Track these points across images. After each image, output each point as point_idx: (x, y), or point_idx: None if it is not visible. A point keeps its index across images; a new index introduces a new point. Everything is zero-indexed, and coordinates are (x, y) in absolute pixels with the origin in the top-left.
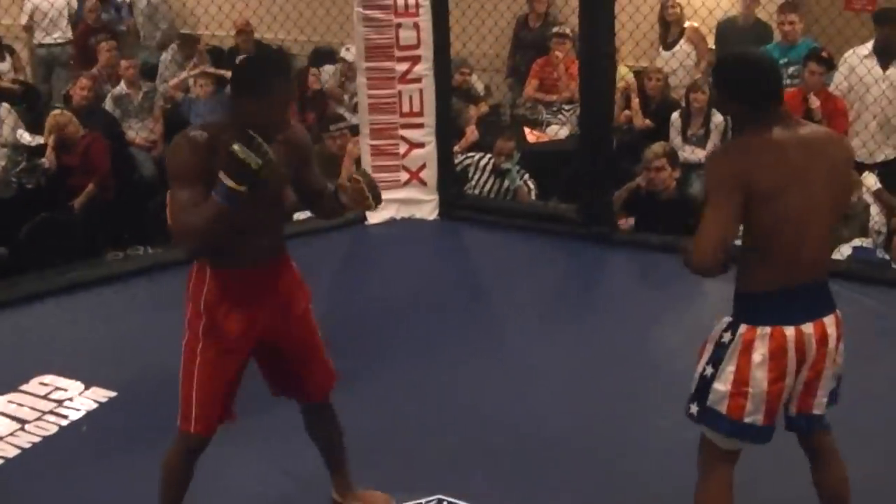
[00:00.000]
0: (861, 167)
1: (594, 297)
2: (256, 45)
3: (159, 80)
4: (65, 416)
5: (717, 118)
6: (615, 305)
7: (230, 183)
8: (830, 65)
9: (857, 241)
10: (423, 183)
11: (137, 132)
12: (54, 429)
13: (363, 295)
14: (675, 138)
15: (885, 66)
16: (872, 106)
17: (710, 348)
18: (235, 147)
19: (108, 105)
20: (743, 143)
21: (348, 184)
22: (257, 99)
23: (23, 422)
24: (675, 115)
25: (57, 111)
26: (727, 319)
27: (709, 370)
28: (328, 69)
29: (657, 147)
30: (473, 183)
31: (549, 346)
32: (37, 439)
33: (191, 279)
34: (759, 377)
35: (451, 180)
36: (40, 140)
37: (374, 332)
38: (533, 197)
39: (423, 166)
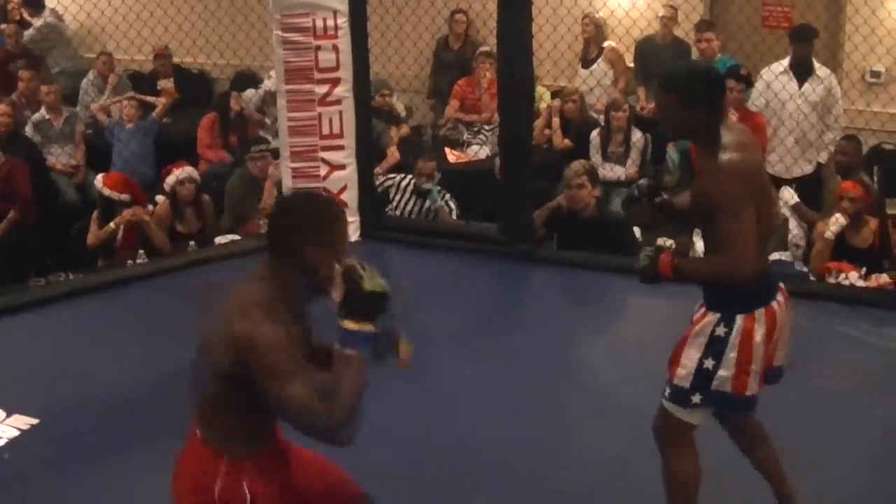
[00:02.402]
0: (779, 182)
1: (518, 316)
2: (175, 69)
3: (80, 105)
4: None
5: (637, 136)
6: (539, 323)
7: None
8: (749, 82)
9: (775, 255)
10: (344, 205)
11: (58, 158)
12: None
13: None
14: (595, 156)
15: (800, 83)
16: (788, 121)
17: (700, 343)
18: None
19: (28, 131)
20: (741, 159)
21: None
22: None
23: None
24: (595, 134)
25: None
26: (713, 317)
27: (709, 363)
28: (249, 93)
29: (577, 165)
30: (395, 204)
31: (475, 365)
32: None
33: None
34: (760, 353)
35: (372, 202)
36: None
37: None
38: (454, 217)
39: (345, 188)
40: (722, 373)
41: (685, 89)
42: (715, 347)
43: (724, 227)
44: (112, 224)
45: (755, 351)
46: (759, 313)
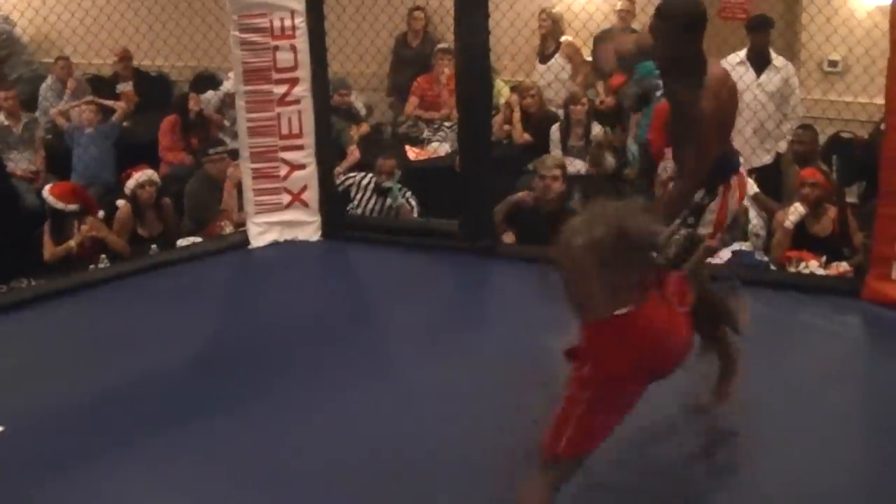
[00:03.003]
0: None
1: (480, 311)
2: (136, 72)
3: (40, 110)
4: None
5: (596, 129)
6: (502, 318)
7: None
8: None
9: (736, 245)
10: (305, 204)
11: (18, 164)
12: None
13: (250, 318)
14: (555, 150)
15: (758, 73)
16: (746, 112)
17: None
18: None
19: None
20: (716, 81)
21: None
22: None
23: None
24: (555, 128)
25: None
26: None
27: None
28: (209, 94)
29: (551, 158)
30: (356, 203)
31: (439, 361)
32: None
33: None
34: (733, 208)
35: (333, 201)
36: None
37: (261, 355)
38: (415, 214)
39: (305, 188)
40: (701, 231)
41: (686, 17)
42: (696, 213)
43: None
44: (71, 242)
45: (729, 208)
46: (733, 179)
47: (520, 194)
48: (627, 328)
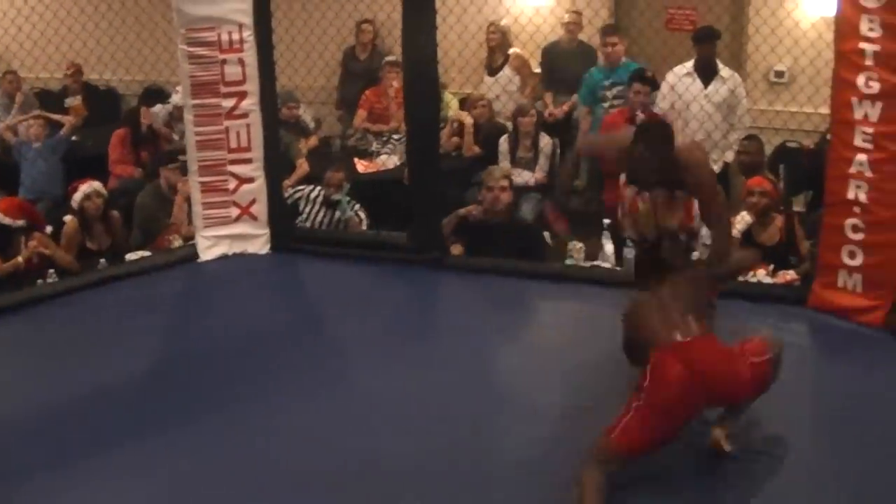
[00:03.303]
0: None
1: (431, 323)
2: (84, 86)
3: None
4: None
5: (545, 140)
6: (452, 329)
7: None
8: (655, 84)
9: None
10: (253, 218)
11: None
12: None
13: (200, 331)
14: (504, 162)
15: (705, 84)
16: (693, 122)
17: None
18: None
19: None
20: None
21: None
22: None
23: None
24: (503, 140)
25: None
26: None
27: None
28: (157, 108)
29: (499, 169)
30: (305, 215)
31: (389, 373)
32: None
33: None
34: None
35: (282, 214)
36: None
37: (213, 369)
38: (364, 226)
39: (254, 201)
40: None
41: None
42: None
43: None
44: (19, 258)
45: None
46: None
47: (468, 208)
48: (686, 351)
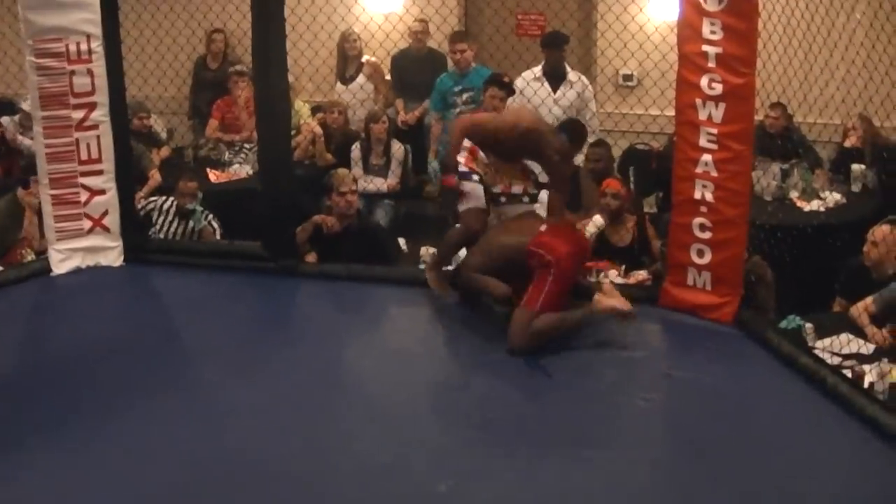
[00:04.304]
0: (536, 185)
1: (287, 330)
2: None
3: None
4: None
5: (396, 146)
6: (307, 336)
7: None
8: (511, 89)
9: None
10: (106, 230)
11: None
12: None
13: (54, 345)
14: (356, 169)
15: (554, 88)
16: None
17: None
18: None
19: None
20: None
21: None
22: None
23: None
24: (355, 147)
25: None
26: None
27: None
28: (5, 120)
29: (343, 172)
30: (158, 226)
31: (244, 381)
32: None
33: None
34: None
35: (134, 225)
36: None
37: (68, 381)
38: (218, 236)
39: (106, 213)
40: None
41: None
42: None
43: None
44: None
45: None
46: None
47: (323, 217)
48: (560, 228)
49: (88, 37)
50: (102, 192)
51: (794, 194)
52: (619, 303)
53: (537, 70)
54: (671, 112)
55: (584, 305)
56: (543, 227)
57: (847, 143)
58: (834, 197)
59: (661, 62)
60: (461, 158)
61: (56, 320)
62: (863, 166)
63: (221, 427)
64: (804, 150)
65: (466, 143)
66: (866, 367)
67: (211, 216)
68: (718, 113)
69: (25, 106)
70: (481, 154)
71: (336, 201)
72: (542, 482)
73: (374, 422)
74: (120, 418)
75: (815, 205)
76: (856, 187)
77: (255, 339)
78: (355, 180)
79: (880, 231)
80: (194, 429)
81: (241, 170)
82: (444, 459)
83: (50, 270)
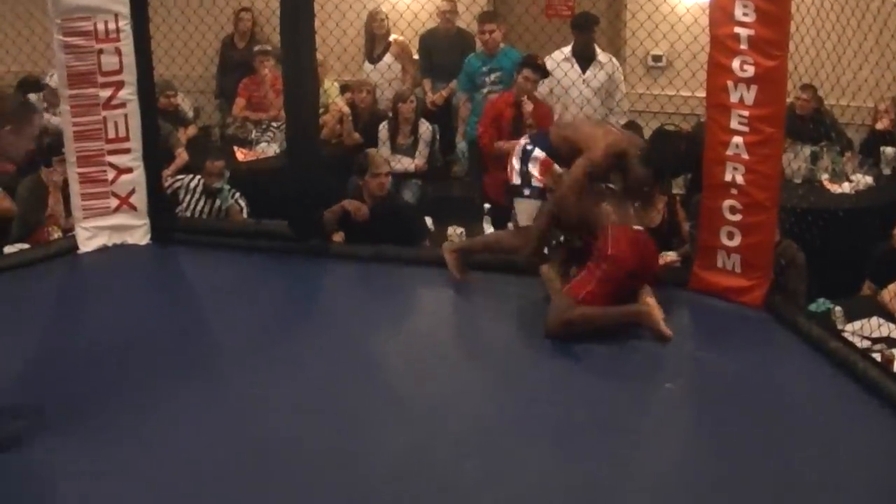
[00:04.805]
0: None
1: (315, 312)
2: None
3: None
4: None
5: (424, 127)
6: (336, 319)
7: None
8: (545, 72)
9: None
10: (133, 208)
11: None
12: None
13: (84, 326)
14: (383, 148)
15: (583, 69)
16: (572, 107)
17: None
18: None
19: None
20: None
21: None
22: None
23: None
24: (383, 126)
25: None
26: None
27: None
28: (33, 97)
29: (380, 155)
30: (185, 205)
31: (275, 365)
32: None
33: None
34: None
35: (161, 204)
36: None
37: (98, 364)
38: (245, 215)
39: (133, 191)
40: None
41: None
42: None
43: None
44: None
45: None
46: None
47: (350, 204)
48: (635, 235)
49: (116, 15)
50: (129, 170)
51: (823, 177)
52: (663, 324)
53: (567, 50)
54: (702, 93)
55: (630, 304)
56: (616, 220)
57: (878, 126)
58: (864, 180)
59: (693, 44)
60: (535, 171)
61: (82, 299)
62: (894, 149)
63: (245, 415)
64: (835, 132)
65: (539, 153)
66: (895, 352)
67: (238, 195)
68: (750, 95)
69: (51, 82)
70: (556, 167)
71: (369, 183)
72: (568, 469)
73: (400, 406)
74: (147, 398)
75: (845, 187)
76: (887, 170)
77: (279, 322)
78: (388, 162)
79: None
80: (222, 414)
81: (269, 148)
82: (469, 445)
83: (76, 248)
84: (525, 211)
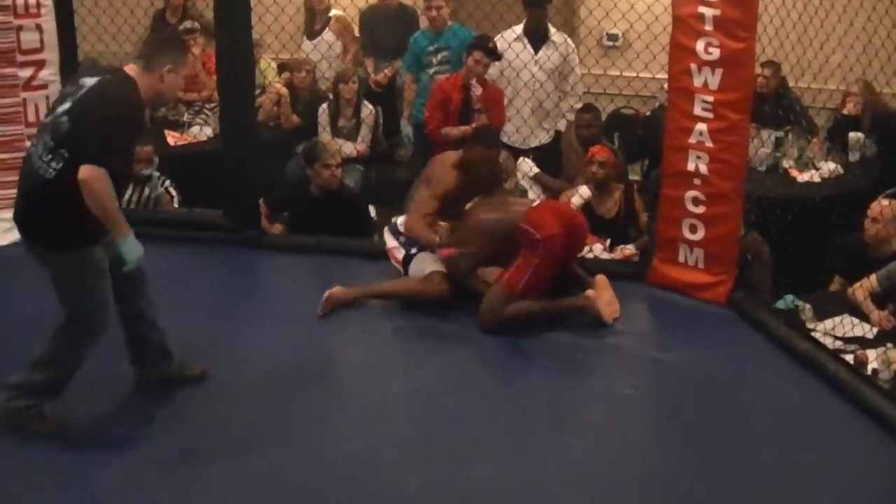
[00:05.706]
0: (517, 152)
1: (252, 305)
2: None
3: None
4: None
5: (367, 110)
6: (274, 310)
7: None
8: (497, 56)
9: None
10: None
11: None
12: None
13: None
14: (324, 132)
15: (536, 49)
16: (524, 91)
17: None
18: None
19: None
20: None
21: None
22: None
23: None
24: (323, 109)
25: None
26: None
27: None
28: None
29: (333, 144)
30: None
31: (204, 360)
32: None
33: None
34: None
35: None
36: None
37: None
38: (176, 204)
39: None
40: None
41: None
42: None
43: None
44: None
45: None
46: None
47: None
48: (555, 206)
49: None
50: None
51: (787, 163)
52: (606, 311)
53: (518, 29)
54: (662, 75)
55: (572, 296)
56: (536, 203)
57: (845, 111)
58: (830, 167)
59: (654, 24)
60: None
61: (5, 291)
62: (861, 135)
63: (176, 405)
64: (798, 115)
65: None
66: (870, 353)
67: (168, 182)
68: (715, 80)
69: None
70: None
71: (319, 172)
72: (521, 469)
73: (343, 409)
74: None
75: (811, 175)
76: (853, 157)
77: (214, 316)
78: (340, 151)
79: (879, 206)
80: (146, 404)
81: (202, 132)
82: (416, 448)
83: None
84: (421, 261)
